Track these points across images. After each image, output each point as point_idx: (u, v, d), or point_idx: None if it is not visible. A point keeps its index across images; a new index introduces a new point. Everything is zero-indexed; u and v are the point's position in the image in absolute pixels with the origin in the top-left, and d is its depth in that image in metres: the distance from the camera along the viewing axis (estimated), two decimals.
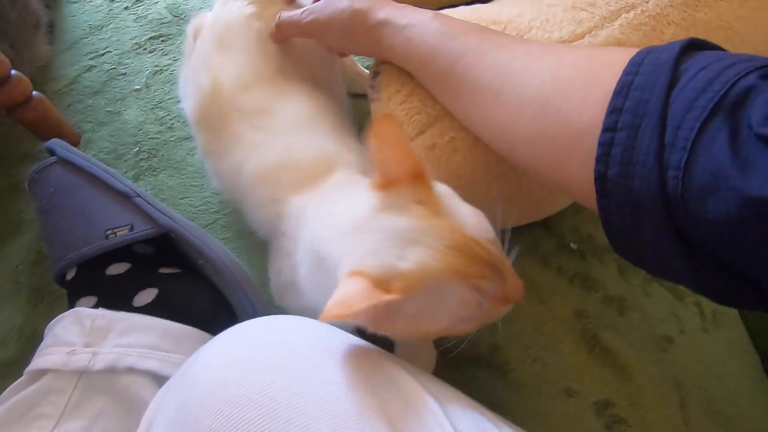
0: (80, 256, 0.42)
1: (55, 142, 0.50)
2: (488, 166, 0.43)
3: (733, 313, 0.47)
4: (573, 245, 0.51)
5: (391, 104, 0.44)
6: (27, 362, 0.46)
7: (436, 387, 0.28)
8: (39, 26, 0.70)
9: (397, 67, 0.43)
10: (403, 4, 0.40)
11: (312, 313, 0.39)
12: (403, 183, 0.30)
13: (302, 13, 0.43)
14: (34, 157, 0.62)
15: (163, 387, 0.30)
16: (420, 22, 0.38)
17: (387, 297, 0.27)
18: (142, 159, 0.61)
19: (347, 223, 0.31)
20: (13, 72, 0.53)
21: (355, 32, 0.40)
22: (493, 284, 0.29)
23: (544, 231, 0.52)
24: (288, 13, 0.44)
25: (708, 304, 0.48)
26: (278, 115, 0.41)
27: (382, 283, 0.28)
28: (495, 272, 0.29)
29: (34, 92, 0.56)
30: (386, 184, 0.30)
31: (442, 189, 0.32)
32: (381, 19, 0.39)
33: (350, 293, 0.27)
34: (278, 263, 0.40)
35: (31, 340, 0.48)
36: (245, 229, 0.55)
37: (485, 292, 0.29)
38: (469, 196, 0.33)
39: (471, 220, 0.30)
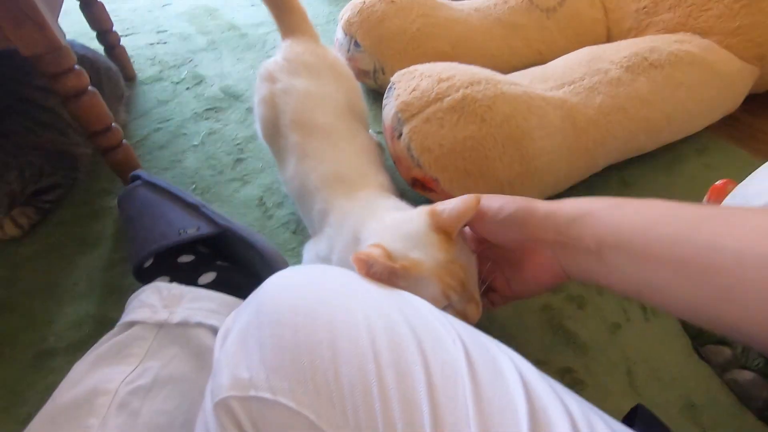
0: (159, 247, 0.55)
1: (141, 171, 0.66)
2: (464, 141, 0.59)
3: None
4: None
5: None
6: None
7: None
8: (122, 98, 0.91)
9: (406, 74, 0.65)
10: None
11: None
12: (440, 227, 0.43)
13: None
14: (110, 191, 0.77)
15: (235, 310, 0.40)
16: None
17: (392, 263, 0.40)
18: (197, 194, 0.76)
19: (390, 221, 0.46)
20: (113, 124, 0.70)
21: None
22: (459, 299, 0.41)
23: None
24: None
25: None
26: (345, 141, 0.57)
27: (392, 258, 0.41)
28: (464, 292, 0.41)
29: (123, 140, 0.73)
30: (433, 215, 0.43)
31: (462, 235, 0.44)
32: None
33: (372, 253, 0.40)
34: (318, 245, 0.53)
35: (102, 324, 0.59)
36: (280, 244, 0.68)
37: (450, 300, 0.41)
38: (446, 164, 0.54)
39: (465, 256, 0.43)
